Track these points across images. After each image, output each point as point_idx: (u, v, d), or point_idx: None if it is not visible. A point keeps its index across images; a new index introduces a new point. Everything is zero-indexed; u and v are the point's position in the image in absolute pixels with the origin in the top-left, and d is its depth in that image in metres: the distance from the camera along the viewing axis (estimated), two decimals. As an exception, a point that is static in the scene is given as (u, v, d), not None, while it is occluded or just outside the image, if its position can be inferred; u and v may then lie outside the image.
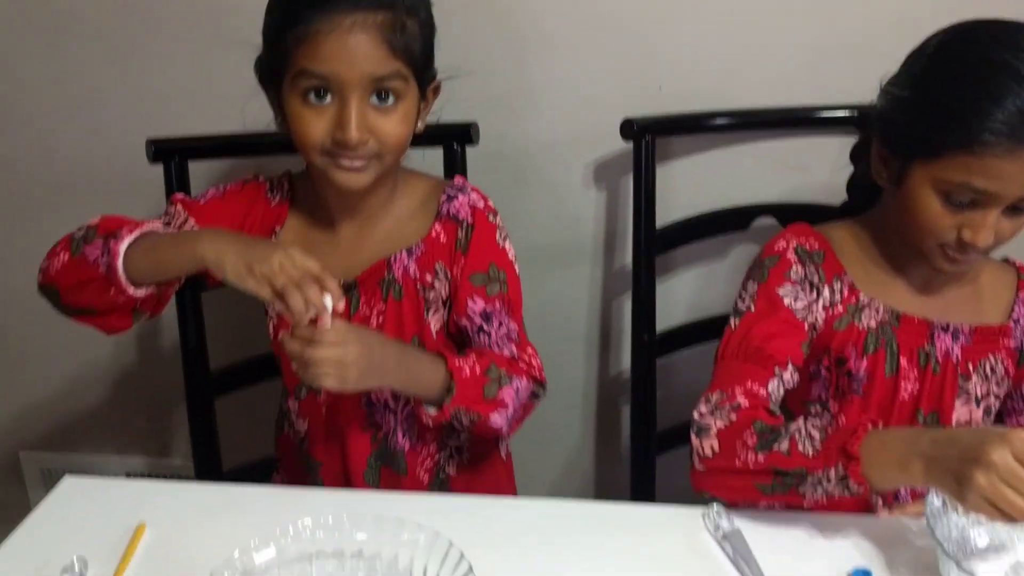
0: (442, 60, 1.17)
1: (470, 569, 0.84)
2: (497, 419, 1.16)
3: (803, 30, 1.44)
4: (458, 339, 1.25)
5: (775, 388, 1.08)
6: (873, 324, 1.13)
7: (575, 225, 1.61)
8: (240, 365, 1.48)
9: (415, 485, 1.27)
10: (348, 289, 1.16)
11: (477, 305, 1.19)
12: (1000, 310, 1.16)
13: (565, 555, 0.97)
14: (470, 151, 1.44)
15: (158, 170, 1.41)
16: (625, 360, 1.66)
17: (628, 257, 1.53)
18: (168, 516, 1.03)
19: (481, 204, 1.21)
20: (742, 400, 1.05)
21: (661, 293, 1.47)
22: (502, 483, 1.38)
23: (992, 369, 1.15)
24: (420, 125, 1.15)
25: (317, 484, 1.27)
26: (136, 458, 1.94)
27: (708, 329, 1.45)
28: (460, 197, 1.20)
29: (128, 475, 1.93)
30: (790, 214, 1.43)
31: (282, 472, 1.38)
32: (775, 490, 0.98)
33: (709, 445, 1.03)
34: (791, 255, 1.14)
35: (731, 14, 1.44)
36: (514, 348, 1.21)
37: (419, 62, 1.08)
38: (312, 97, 1.05)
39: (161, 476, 1.92)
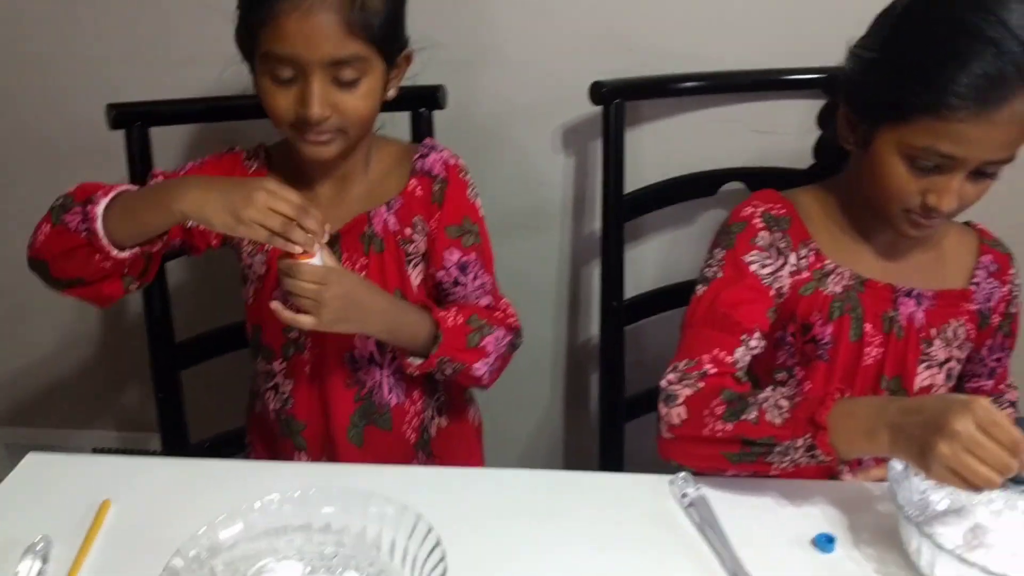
0: (409, 24, 1.16)
1: (439, 542, 0.84)
2: (480, 367, 1.21)
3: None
4: (436, 297, 1.27)
5: (742, 355, 1.09)
6: (839, 290, 1.14)
7: (543, 190, 1.60)
8: (207, 336, 1.46)
9: (401, 443, 1.29)
10: (330, 244, 1.17)
11: (453, 256, 1.23)
12: (962, 274, 1.17)
13: (533, 525, 0.98)
14: (438, 115, 1.42)
15: (119, 137, 1.37)
16: (594, 326, 1.66)
17: (597, 223, 1.53)
18: (133, 492, 1.02)
19: (453, 161, 1.25)
20: (709, 368, 1.06)
21: (630, 259, 1.47)
22: (473, 451, 1.40)
23: (955, 333, 1.16)
24: (391, 92, 1.17)
25: (299, 448, 1.29)
26: (105, 432, 1.92)
27: (677, 295, 1.45)
28: (433, 155, 1.24)
29: (96, 450, 1.92)
30: (759, 179, 1.43)
31: (254, 444, 1.37)
32: (743, 459, 0.99)
33: (677, 413, 1.03)
34: (758, 221, 1.14)
35: (701, -24, 1.43)
36: (490, 299, 1.27)
37: (382, 38, 1.10)
38: (278, 75, 1.08)
39: (130, 450, 1.91)
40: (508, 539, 0.96)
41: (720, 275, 1.13)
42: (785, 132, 1.44)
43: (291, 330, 1.24)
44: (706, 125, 1.51)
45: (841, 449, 0.93)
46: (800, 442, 0.94)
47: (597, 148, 1.45)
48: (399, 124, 1.39)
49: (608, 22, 1.46)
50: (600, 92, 1.39)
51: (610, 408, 1.50)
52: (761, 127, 1.49)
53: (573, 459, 1.83)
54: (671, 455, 1.05)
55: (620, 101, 1.39)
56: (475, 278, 1.25)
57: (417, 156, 1.24)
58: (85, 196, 1.08)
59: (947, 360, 1.16)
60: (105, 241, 1.05)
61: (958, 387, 1.22)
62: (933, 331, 1.15)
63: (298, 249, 1.03)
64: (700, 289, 1.14)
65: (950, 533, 0.92)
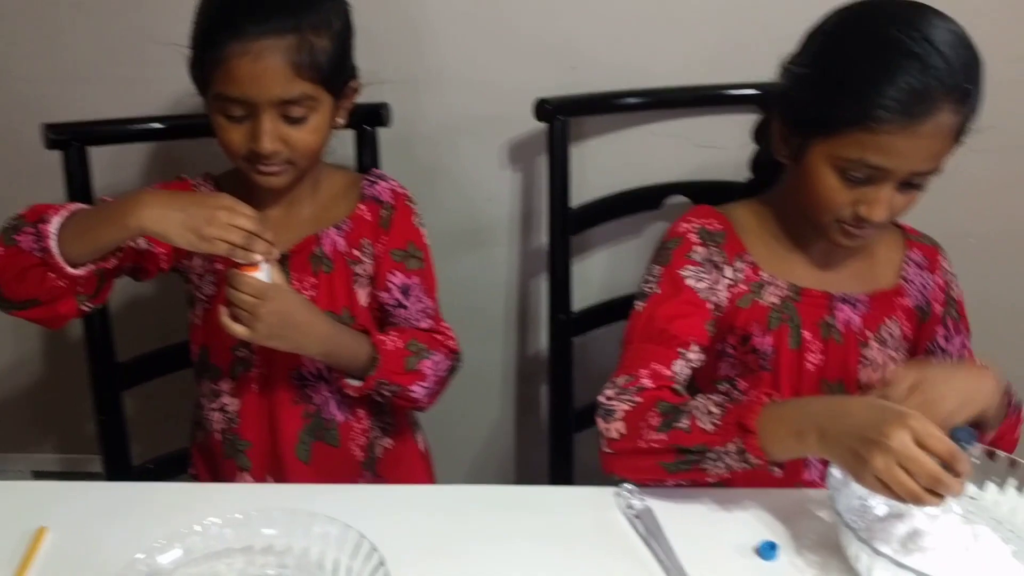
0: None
1: (382, 561, 0.84)
2: (417, 390, 1.23)
3: (714, 8, 1.45)
4: (380, 318, 1.29)
5: (681, 368, 1.10)
6: (775, 300, 1.16)
7: (491, 206, 1.60)
8: (149, 356, 1.44)
9: (348, 460, 1.30)
10: (280, 263, 1.18)
11: (397, 279, 1.26)
12: (892, 272, 1.20)
13: (479, 540, 0.97)
14: (383, 133, 1.43)
15: (55, 157, 1.35)
16: (543, 340, 1.67)
17: (544, 237, 1.54)
18: (72, 518, 1.00)
19: (400, 190, 1.30)
20: (647, 382, 1.06)
21: (577, 272, 1.48)
22: (419, 475, 1.41)
23: (889, 334, 1.18)
24: (341, 121, 1.21)
25: (242, 468, 1.28)
26: (45, 455, 1.88)
27: (624, 307, 1.42)
28: (381, 183, 1.29)
29: (37, 473, 1.88)
30: (702, 192, 1.46)
31: (198, 465, 1.36)
32: (679, 468, 1.00)
33: (615, 428, 1.04)
34: (693, 237, 1.16)
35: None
36: (431, 322, 1.29)
37: (330, 76, 1.14)
38: (230, 113, 1.12)
39: (72, 473, 1.87)
40: (453, 554, 0.95)
41: (657, 291, 1.15)
42: (726, 146, 1.46)
43: (239, 349, 1.25)
44: (650, 140, 1.53)
45: (771, 451, 0.95)
46: (731, 447, 0.96)
47: (543, 163, 1.46)
48: (344, 141, 1.39)
49: (551, 40, 1.48)
50: (545, 109, 1.40)
51: (559, 420, 1.51)
52: (703, 142, 1.52)
53: (525, 472, 1.83)
54: (613, 469, 1.06)
55: (564, 117, 1.40)
56: (417, 301, 1.28)
57: (366, 184, 1.28)
58: (37, 216, 1.08)
59: (883, 362, 1.18)
60: (59, 258, 1.05)
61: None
62: (869, 334, 1.17)
63: (258, 258, 1.07)
64: (639, 305, 1.15)
65: (889, 538, 0.93)
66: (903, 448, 0.84)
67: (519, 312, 1.69)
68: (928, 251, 1.22)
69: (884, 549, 0.87)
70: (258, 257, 1.07)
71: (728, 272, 1.15)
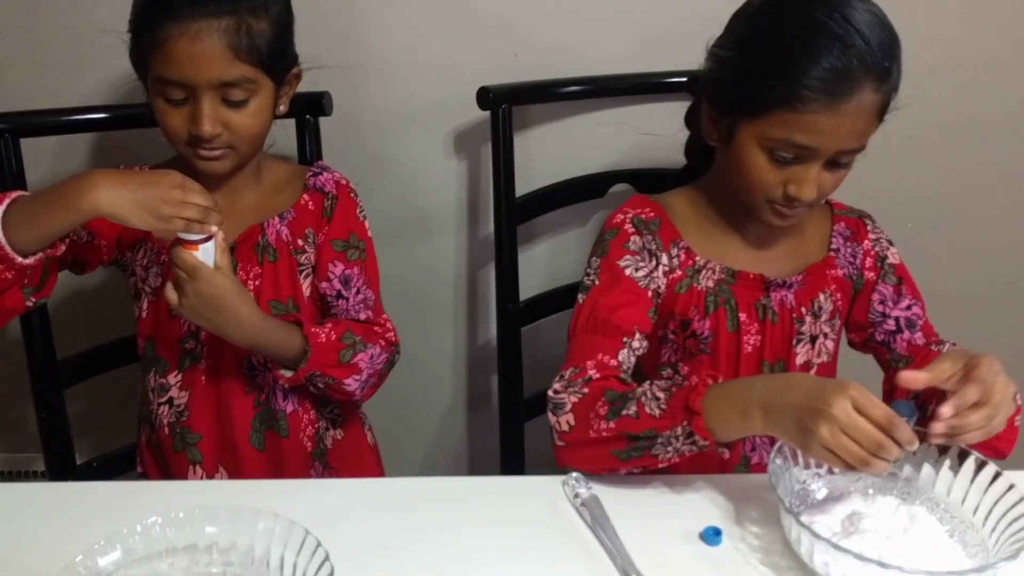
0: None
1: (326, 557, 0.83)
2: (351, 383, 1.23)
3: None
4: (321, 308, 1.29)
5: (626, 357, 1.11)
6: (711, 284, 1.17)
7: (436, 195, 1.60)
8: (91, 352, 1.41)
9: (299, 450, 1.30)
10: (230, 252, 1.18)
11: (337, 269, 1.27)
12: (822, 246, 1.23)
13: (426, 532, 0.97)
14: (327, 121, 1.41)
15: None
16: (492, 329, 1.66)
17: (491, 227, 1.53)
18: (9, 520, 0.98)
19: (344, 181, 1.30)
20: (593, 373, 1.07)
21: (524, 261, 1.48)
22: (369, 466, 1.40)
23: (821, 307, 1.20)
24: (282, 108, 1.22)
25: (193, 462, 1.27)
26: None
27: (571, 295, 1.43)
28: (325, 174, 1.30)
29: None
30: (646, 180, 1.46)
31: (146, 462, 1.34)
32: (630, 455, 1.01)
33: (565, 420, 1.05)
34: (628, 227, 1.17)
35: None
36: (370, 314, 1.29)
37: (269, 59, 1.14)
38: (170, 96, 1.12)
39: (15, 473, 1.83)
40: (399, 546, 0.95)
41: (598, 282, 1.16)
42: (669, 133, 1.47)
43: (187, 341, 1.24)
44: (594, 128, 1.54)
45: (718, 432, 0.96)
46: (679, 430, 0.97)
47: (487, 152, 1.45)
48: (287, 131, 1.37)
49: (494, 28, 1.47)
50: (487, 97, 1.39)
51: (509, 409, 1.51)
52: (646, 129, 1.52)
53: (477, 463, 1.84)
54: (567, 462, 1.06)
55: (507, 106, 1.39)
56: (357, 292, 1.28)
57: (310, 175, 1.29)
58: None
59: (816, 335, 1.21)
60: (8, 248, 1.03)
61: (888, 352, 1.23)
62: (803, 309, 1.19)
63: (214, 229, 1.08)
64: (581, 298, 1.16)
65: (828, 521, 0.95)
66: (844, 415, 0.86)
67: (468, 302, 1.69)
68: (854, 224, 1.25)
69: (824, 532, 0.89)
70: (214, 229, 1.08)
71: (664, 259, 1.17)
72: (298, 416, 1.29)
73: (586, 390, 1.05)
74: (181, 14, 1.07)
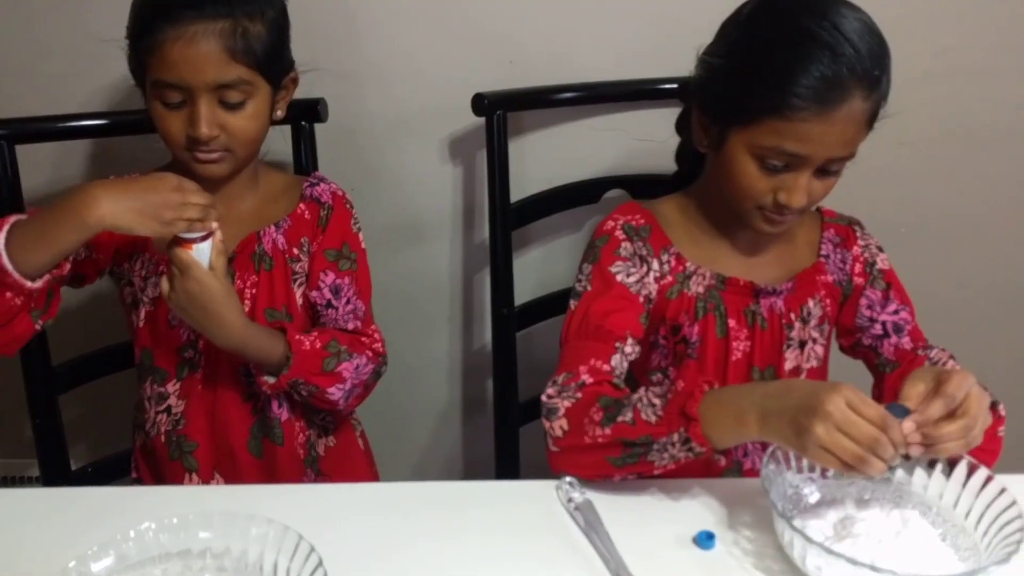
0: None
1: (320, 562, 0.83)
2: (335, 392, 1.23)
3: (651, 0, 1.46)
4: (312, 316, 1.29)
5: (619, 362, 1.11)
6: (701, 290, 1.18)
7: (431, 201, 1.60)
8: (86, 358, 1.41)
9: (293, 458, 1.30)
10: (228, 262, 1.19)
11: (328, 278, 1.26)
12: (811, 252, 1.23)
13: (420, 537, 0.97)
14: (321, 129, 1.42)
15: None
16: (487, 334, 1.67)
17: (486, 232, 1.53)
18: (4, 526, 0.98)
19: (340, 193, 1.31)
20: (587, 378, 1.07)
21: (519, 266, 1.49)
22: (362, 473, 1.40)
23: (810, 313, 1.21)
24: (279, 113, 1.23)
25: (189, 470, 1.28)
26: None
27: (566, 300, 1.45)
28: (322, 185, 1.30)
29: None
30: (640, 185, 1.47)
31: (141, 468, 1.34)
32: (625, 461, 1.01)
33: (559, 426, 1.05)
34: (619, 233, 1.18)
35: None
36: (359, 324, 1.29)
37: (266, 62, 1.15)
38: (168, 100, 1.13)
39: (10, 479, 1.83)
40: (394, 554, 0.95)
41: (589, 288, 1.16)
42: (662, 139, 1.48)
43: (186, 350, 1.25)
44: (588, 134, 1.54)
45: (714, 438, 0.96)
46: (676, 437, 0.97)
47: (483, 158, 1.46)
48: (282, 138, 1.38)
49: (490, 35, 1.48)
50: (482, 104, 1.40)
51: (504, 414, 1.51)
52: (640, 135, 1.53)
53: (472, 468, 1.84)
54: (561, 467, 1.06)
55: (502, 112, 1.40)
56: (347, 302, 1.28)
57: (307, 185, 1.29)
58: None
59: (805, 341, 1.21)
60: (14, 272, 1.03)
61: (876, 356, 1.24)
62: (793, 315, 1.20)
63: (213, 225, 1.10)
64: (573, 304, 1.17)
65: (821, 525, 0.95)
66: (839, 412, 0.86)
67: (463, 307, 1.69)
68: (843, 231, 1.25)
69: (817, 536, 0.89)
70: (213, 225, 1.09)
71: (655, 265, 1.17)
72: (292, 424, 1.29)
73: (579, 395, 1.05)
74: (178, 18, 1.08)
